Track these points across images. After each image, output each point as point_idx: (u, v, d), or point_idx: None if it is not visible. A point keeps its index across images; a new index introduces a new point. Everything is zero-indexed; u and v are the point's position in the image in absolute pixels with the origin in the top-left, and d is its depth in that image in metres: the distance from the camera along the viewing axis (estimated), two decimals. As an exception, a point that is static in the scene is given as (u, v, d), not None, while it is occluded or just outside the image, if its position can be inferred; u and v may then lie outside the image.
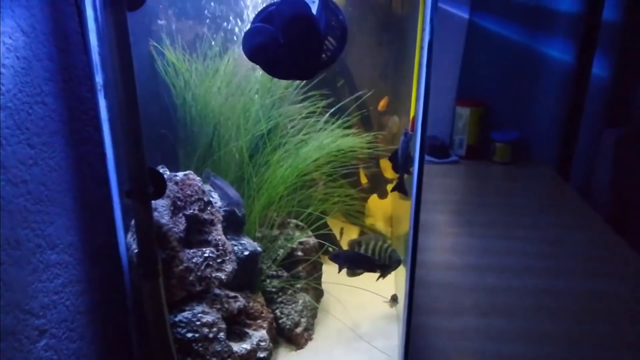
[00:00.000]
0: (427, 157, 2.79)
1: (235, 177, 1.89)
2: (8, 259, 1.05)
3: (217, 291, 1.67)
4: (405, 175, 1.65)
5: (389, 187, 2.69)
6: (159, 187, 1.37)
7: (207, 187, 1.73)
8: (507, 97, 2.85)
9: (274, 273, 1.97)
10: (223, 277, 1.61)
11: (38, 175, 1.16)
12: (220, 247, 1.62)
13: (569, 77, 2.76)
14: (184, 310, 1.56)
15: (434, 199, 2.40)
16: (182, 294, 1.57)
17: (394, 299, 2.14)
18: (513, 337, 1.42)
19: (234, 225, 1.78)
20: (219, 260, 1.61)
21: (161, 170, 1.56)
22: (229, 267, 1.63)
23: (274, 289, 1.95)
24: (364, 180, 2.71)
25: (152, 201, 1.41)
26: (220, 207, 1.72)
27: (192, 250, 1.56)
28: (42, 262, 1.18)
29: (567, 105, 2.83)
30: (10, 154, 1.06)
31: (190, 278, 1.55)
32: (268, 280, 1.95)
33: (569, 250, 1.89)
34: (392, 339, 1.90)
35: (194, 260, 1.55)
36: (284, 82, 1.88)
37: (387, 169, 2.66)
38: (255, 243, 1.83)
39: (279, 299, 1.96)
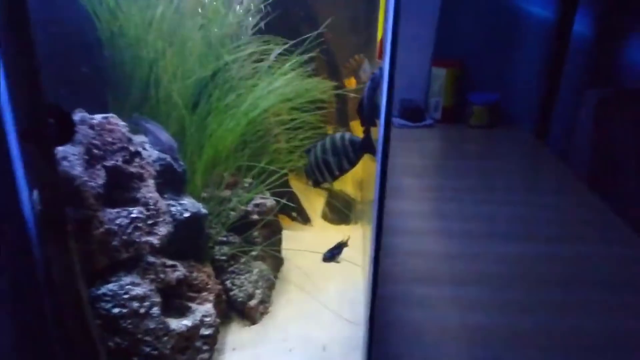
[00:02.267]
0: (401, 121, 2.56)
1: (177, 129, 1.60)
2: None
3: (151, 259, 1.40)
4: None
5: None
6: (65, 129, 1.07)
7: (138, 138, 1.44)
8: (485, 57, 2.63)
9: (224, 239, 1.71)
10: (155, 242, 1.34)
11: None
12: (152, 207, 1.35)
13: (550, 35, 2.54)
14: (109, 282, 1.30)
15: (407, 162, 2.18)
16: (105, 262, 1.30)
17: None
18: (490, 307, 1.22)
19: (173, 182, 1.50)
20: (149, 222, 1.34)
21: (77, 112, 1.26)
22: (162, 230, 1.36)
23: (223, 257, 1.69)
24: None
25: (60, 147, 1.12)
26: (154, 160, 1.43)
27: (115, 210, 1.28)
28: None
29: (548, 65, 2.62)
30: None
31: (114, 243, 1.28)
32: (217, 247, 1.69)
33: (546, 214, 1.71)
34: (362, 308, 1.68)
35: (117, 222, 1.28)
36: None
37: (358, 128, 2.41)
38: (200, 204, 1.55)
39: (230, 269, 1.71)
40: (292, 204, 1.98)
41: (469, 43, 2.62)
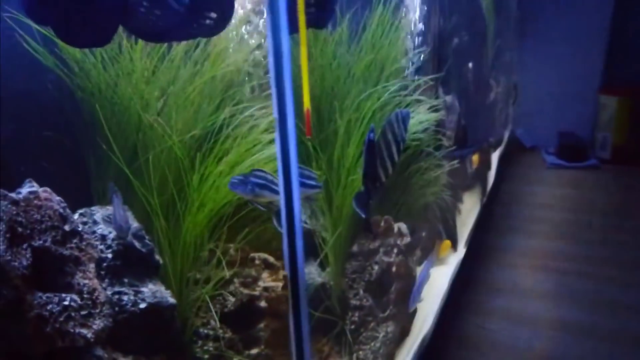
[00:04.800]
0: (555, 160, 2.03)
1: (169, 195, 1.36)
2: None
3: (99, 352, 1.16)
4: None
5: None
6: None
7: (98, 212, 1.23)
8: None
9: (210, 332, 1.38)
10: (89, 335, 1.09)
11: None
12: (86, 296, 1.10)
13: None
14: None
15: (560, 219, 1.62)
16: (43, 348, 1.09)
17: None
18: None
19: (135, 265, 1.24)
20: (83, 313, 1.09)
21: (26, 185, 1.11)
22: (98, 323, 1.11)
23: (206, 357, 1.36)
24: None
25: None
26: (111, 240, 1.20)
27: (46, 295, 1.07)
28: None
29: None
30: None
31: (47, 329, 1.06)
32: (200, 342, 1.36)
33: None
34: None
35: (48, 308, 1.06)
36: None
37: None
38: (168, 292, 1.27)
39: None
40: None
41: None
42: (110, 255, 1.22)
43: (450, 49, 2.72)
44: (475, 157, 3.11)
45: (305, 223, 1.51)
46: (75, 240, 1.15)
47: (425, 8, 2.08)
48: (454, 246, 2.67)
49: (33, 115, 1.24)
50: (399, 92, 1.79)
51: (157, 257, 1.37)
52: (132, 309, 1.22)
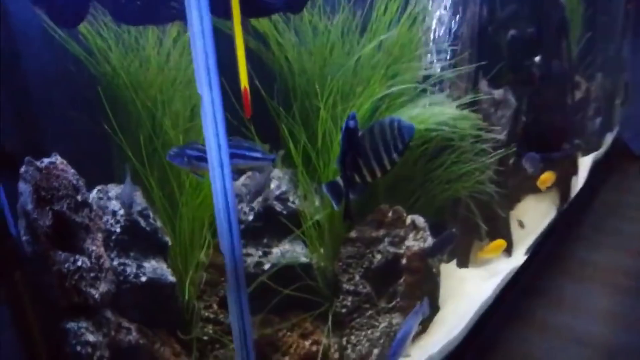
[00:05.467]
0: None
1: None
2: None
3: (108, 314, 1.36)
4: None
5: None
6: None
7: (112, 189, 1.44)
8: None
9: (212, 316, 1.49)
10: (96, 295, 1.29)
11: None
12: (94, 261, 1.31)
13: None
14: (72, 321, 1.31)
15: None
16: (66, 302, 1.33)
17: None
18: None
19: (140, 241, 1.43)
20: (92, 275, 1.30)
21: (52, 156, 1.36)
22: (103, 286, 1.31)
23: (206, 338, 1.46)
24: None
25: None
26: (119, 216, 1.40)
27: (64, 254, 1.30)
28: None
29: None
30: None
31: (67, 284, 1.30)
32: (202, 324, 1.48)
33: None
34: None
35: (66, 266, 1.29)
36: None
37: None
38: (169, 270, 1.42)
39: (215, 352, 1.47)
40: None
41: None
42: (118, 229, 1.42)
43: (504, 41, 2.56)
44: (547, 176, 2.76)
45: (293, 203, 1.56)
46: (86, 210, 1.37)
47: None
48: (509, 250, 2.46)
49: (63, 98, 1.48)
50: (413, 83, 1.76)
51: (164, 237, 1.52)
52: (134, 280, 1.40)
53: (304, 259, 1.51)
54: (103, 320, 1.35)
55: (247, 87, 0.99)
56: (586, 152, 4.11)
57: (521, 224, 2.69)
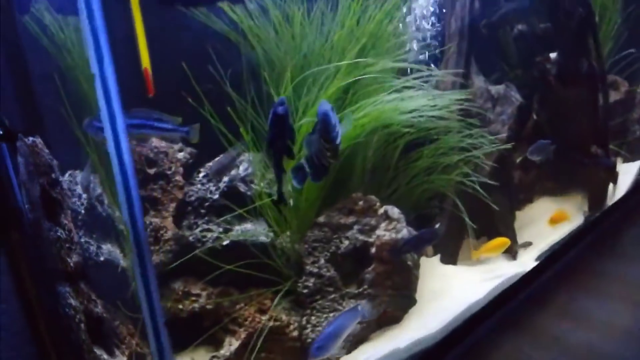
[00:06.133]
0: None
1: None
2: None
3: (82, 285, 1.51)
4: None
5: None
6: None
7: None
8: None
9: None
10: (71, 264, 1.44)
11: None
12: (67, 233, 1.46)
13: None
14: (62, 285, 1.47)
15: None
16: (53, 266, 1.49)
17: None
18: None
19: (98, 224, 1.57)
20: (67, 245, 1.45)
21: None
22: (74, 257, 1.46)
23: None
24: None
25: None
26: (82, 199, 1.55)
27: (49, 224, 1.47)
28: None
29: None
30: None
31: (53, 250, 1.46)
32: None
33: None
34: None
35: (51, 234, 1.45)
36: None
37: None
38: (120, 255, 1.55)
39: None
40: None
41: None
42: (82, 211, 1.56)
43: (509, 36, 2.48)
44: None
45: (252, 183, 1.61)
46: (57, 188, 1.52)
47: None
48: (511, 251, 2.32)
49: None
50: (389, 75, 1.78)
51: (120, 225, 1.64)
52: (94, 258, 1.53)
53: (263, 238, 1.56)
54: (79, 289, 1.49)
55: (149, 67, 1.08)
56: (630, 159, 3.80)
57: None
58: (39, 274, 1.33)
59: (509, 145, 2.24)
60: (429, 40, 2.05)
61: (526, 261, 2.39)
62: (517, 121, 2.40)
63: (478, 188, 1.99)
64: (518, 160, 2.74)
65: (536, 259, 2.45)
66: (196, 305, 1.52)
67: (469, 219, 2.06)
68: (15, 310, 1.36)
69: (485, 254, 2.23)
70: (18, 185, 1.37)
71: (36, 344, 1.22)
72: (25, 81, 1.59)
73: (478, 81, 2.25)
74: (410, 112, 1.77)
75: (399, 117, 1.74)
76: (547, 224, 2.50)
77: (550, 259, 2.47)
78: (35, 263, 1.30)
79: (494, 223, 2.28)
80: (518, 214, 2.68)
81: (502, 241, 2.26)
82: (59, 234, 1.46)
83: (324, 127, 1.19)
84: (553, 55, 2.78)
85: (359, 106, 1.67)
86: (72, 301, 1.41)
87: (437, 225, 2.03)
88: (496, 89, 2.31)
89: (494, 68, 2.51)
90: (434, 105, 1.84)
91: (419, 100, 1.82)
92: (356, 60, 1.64)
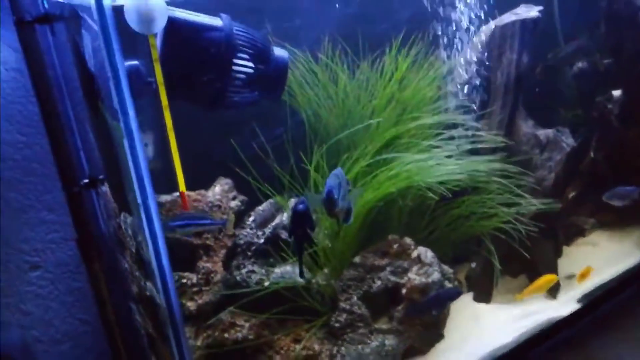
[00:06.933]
0: None
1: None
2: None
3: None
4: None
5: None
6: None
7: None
8: None
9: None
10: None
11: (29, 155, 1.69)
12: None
13: None
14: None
15: None
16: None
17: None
18: None
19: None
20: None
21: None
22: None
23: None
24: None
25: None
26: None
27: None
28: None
29: None
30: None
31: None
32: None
33: None
34: None
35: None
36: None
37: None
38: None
39: None
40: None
41: None
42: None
43: (567, 77, 2.46)
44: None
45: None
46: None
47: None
48: (553, 291, 2.34)
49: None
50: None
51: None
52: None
53: (300, 280, 1.80)
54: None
55: (185, 191, 1.33)
56: None
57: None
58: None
59: (553, 204, 2.23)
60: (472, 95, 2.15)
61: (566, 302, 2.31)
62: (565, 168, 2.39)
63: (518, 234, 2.07)
64: (571, 195, 2.70)
65: (578, 300, 2.37)
66: (240, 334, 1.79)
67: (507, 257, 2.15)
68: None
69: (530, 295, 2.20)
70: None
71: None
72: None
73: (525, 127, 2.29)
74: (443, 174, 1.91)
75: (431, 180, 1.90)
76: (577, 280, 2.40)
77: (595, 302, 2.36)
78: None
79: (534, 262, 2.28)
80: (566, 248, 2.64)
81: (548, 279, 2.22)
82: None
83: (326, 203, 1.36)
84: (616, 92, 2.71)
85: (386, 169, 1.88)
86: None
87: (472, 265, 2.14)
88: (545, 134, 2.33)
89: (546, 110, 2.52)
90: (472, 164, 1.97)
91: (450, 166, 1.96)
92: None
